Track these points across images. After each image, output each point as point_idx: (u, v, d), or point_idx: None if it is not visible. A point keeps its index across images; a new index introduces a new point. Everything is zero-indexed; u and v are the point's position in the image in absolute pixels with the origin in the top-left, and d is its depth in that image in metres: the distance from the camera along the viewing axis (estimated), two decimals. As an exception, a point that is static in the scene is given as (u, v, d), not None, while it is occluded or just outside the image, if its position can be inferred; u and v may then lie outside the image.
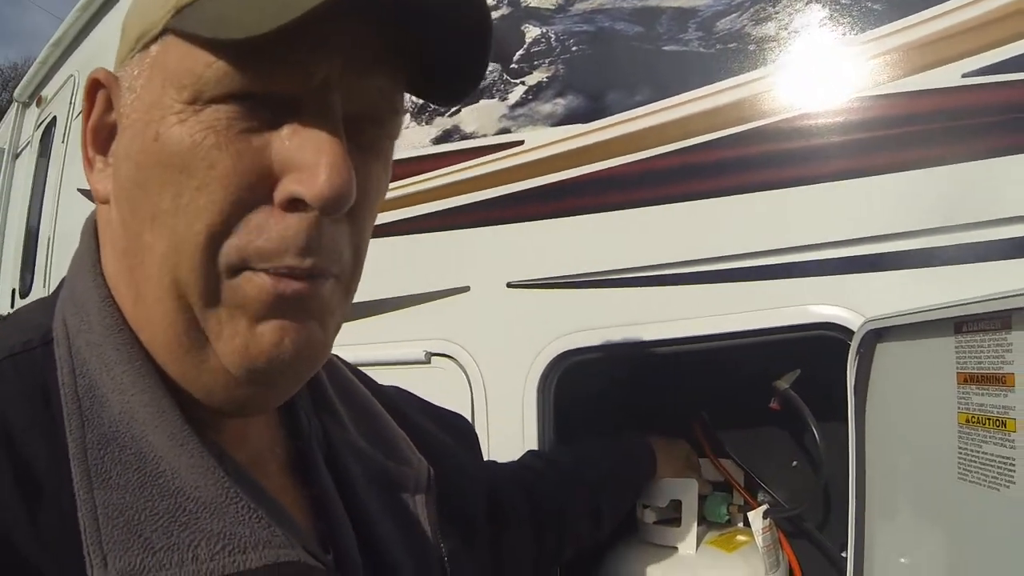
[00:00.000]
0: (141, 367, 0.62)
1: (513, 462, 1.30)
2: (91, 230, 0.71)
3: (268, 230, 0.59)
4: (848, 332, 1.07)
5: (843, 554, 1.07)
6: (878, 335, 1.02)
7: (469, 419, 1.46)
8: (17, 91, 4.77)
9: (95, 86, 0.66)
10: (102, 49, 3.17)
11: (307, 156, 0.58)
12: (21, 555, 0.53)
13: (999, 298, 0.77)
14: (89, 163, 0.67)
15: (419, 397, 1.07)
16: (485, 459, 1.24)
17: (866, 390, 1.04)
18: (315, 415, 0.84)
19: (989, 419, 0.81)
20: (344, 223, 0.64)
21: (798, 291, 1.19)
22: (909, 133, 1.12)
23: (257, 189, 0.59)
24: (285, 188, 0.59)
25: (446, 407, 1.11)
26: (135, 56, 0.63)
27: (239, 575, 0.58)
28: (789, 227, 1.20)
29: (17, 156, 4.69)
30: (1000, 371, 0.79)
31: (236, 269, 0.60)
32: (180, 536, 0.57)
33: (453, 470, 0.96)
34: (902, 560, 0.98)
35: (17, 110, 4.77)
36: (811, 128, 1.20)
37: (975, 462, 0.83)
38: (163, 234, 0.60)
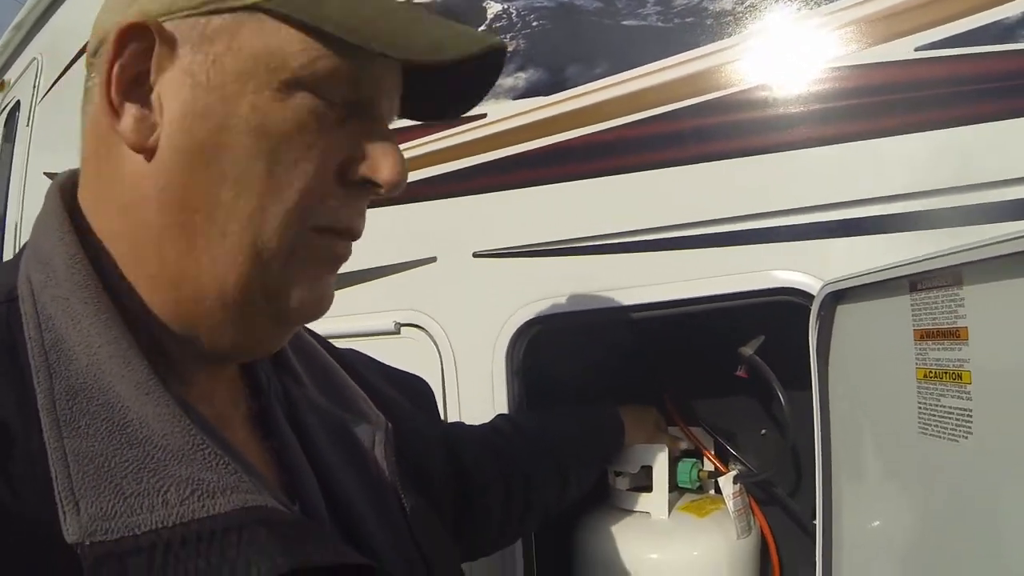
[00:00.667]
0: (108, 320, 0.62)
1: (482, 425, 1.31)
2: (56, 190, 0.71)
3: (341, 200, 0.70)
4: (809, 297, 1.08)
5: (813, 521, 1.07)
6: (837, 297, 1.02)
7: (439, 389, 1.48)
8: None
9: (134, 32, 0.64)
10: (65, 32, 3.13)
11: (377, 149, 0.70)
12: None
13: (949, 254, 0.77)
14: (114, 109, 0.65)
15: (376, 360, 1.08)
16: (454, 423, 1.28)
17: (828, 353, 1.05)
18: (275, 375, 0.85)
19: (946, 373, 0.81)
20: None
21: (760, 257, 1.19)
22: (868, 103, 1.13)
23: (336, 169, 0.69)
24: (362, 172, 0.70)
25: (403, 369, 1.12)
26: (199, 17, 0.65)
27: (208, 519, 0.58)
28: (750, 194, 1.21)
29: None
30: (954, 325, 0.79)
31: (316, 229, 0.68)
32: (150, 482, 0.58)
33: (410, 432, 0.97)
34: (873, 524, 0.99)
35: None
36: (769, 98, 1.20)
37: (934, 416, 0.84)
38: (249, 196, 0.65)
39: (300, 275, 0.69)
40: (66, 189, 0.72)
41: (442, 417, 1.22)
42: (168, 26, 0.65)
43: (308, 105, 0.66)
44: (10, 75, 4.17)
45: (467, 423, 1.30)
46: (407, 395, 1.06)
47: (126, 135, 0.65)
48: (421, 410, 1.07)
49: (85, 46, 0.72)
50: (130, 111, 0.65)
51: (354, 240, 0.73)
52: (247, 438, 0.77)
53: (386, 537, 0.81)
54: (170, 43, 0.65)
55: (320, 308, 0.73)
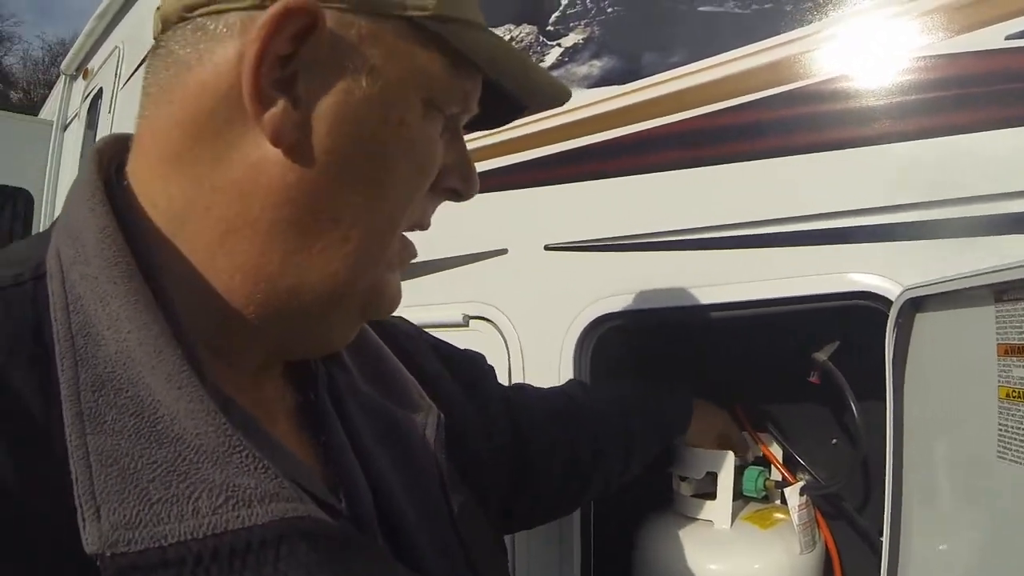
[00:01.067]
0: (138, 302, 0.57)
1: (554, 388, 1.29)
2: (94, 158, 0.67)
3: (432, 206, 0.76)
4: (887, 303, 1.02)
5: (881, 537, 1.02)
6: (916, 304, 0.96)
7: (506, 382, 1.43)
8: (64, 64, 4.86)
9: (296, 15, 0.59)
10: (146, 21, 3.20)
11: (468, 164, 0.77)
12: (5, 503, 0.49)
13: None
14: (260, 97, 0.60)
15: (424, 332, 1.06)
16: (520, 385, 1.26)
17: (904, 363, 0.99)
18: (321, 362, 0.81)
19: (1030, 394, 0.76)
20: None
21: (837, 258, 1.14)
22: (954, 96, 1.06)
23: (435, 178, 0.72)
24: (453, 184, 0.76)
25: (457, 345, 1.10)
26: (353, 15, 0.63)
27: (243, 531, 0.53)
28: (830, 191, 1.15)
29: (66, 128, 4.76)
30: (1042, 342, 0.74)
31: (410, 228, 0.74)
32: (179, 487, 0.53)
33: (460, 414, 0.95)
34: (941, 547, 0.93)
35: (64, 83, 4.84)
36: (850, 90, 1.14)
37: (1015, 439, 0.78)
38: (379, 203, 0.67)
39: (394, 274, 0.74)
40: (105, 156, 0.68)
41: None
42: (337, 18, 0.62)
43: (441, 126, 0.70)
44: (93, 63, 4.28)
45: (534, 386, 1.27)
46: (457, 371, 1.03)
47: (272, 126, 0.61)
48: (469, 383, 1.04)
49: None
50: (278, 102, 0.61)
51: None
52: (292, 431, 0.73)
53: (432, 542, 0.78)
54: (329, 36, 0.61)
55: (396, 304, 0.75)
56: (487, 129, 0.87)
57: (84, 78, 4.48)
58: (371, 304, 0.72)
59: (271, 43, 0.59)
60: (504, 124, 0.90)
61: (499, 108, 0.79)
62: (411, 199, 0.70)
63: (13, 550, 0.49)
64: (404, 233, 0.74)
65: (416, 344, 1.00)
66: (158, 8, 0.66)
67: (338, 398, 0.79)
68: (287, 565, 0.54)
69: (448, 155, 0.73)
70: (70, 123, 4.69)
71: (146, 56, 0.70)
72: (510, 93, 0.76)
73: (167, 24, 0.65)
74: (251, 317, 0.65)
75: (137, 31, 3.28)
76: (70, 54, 4.72)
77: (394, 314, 0.83)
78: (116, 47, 3.73)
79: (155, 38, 0.67)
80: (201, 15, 0.62)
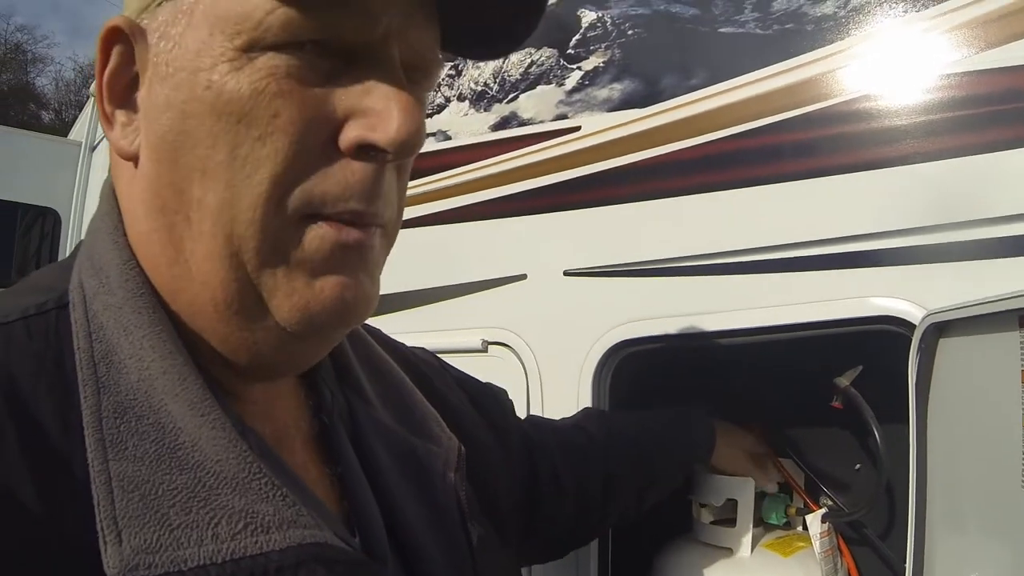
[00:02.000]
0: (162, 332, 0.58)
1: (567, 420, 1.26)
2: (110, 192, 0.67)
3: (333, 175, 0.58)
4: (911, 327, 1.01)
5: (905, 564, 1.00)
6: (940, 329, 0.95)
7: (523, 409, 1.44)
8: (93, 86, 4.85)
9: (113, 36, 0.61)
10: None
11: (377, 103, 0.58)
12: (28, 526, 0.50)
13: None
14: (108, 119, 0.62)
15: (444, 362, 1.04)
16: (534, 418, 1.23)
17: (928, 389, 0.97)
18: (339, 390, 0.80)
19: (1056, 422, 0.74)
20: (394, 173, 0.63)
21: (860, 282, 1.13)
22: (977, 115, 1.05)
23: (321, 137, 0.58)
24: (355, 134, 0.58)
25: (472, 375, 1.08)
26: (163, 3, 0.59)
27: (261, 556, 0.54)
28: (852, 214, 1.14)
29: (94, 149, 4.78)
30: (1066, 369, 0.73)
31: (300, 216, 0.58)
32: (199, 513, 0.53)
33: (480, 448, 0.93)
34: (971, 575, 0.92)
35: (93, 104, 4.85)
36: (872, 111, 1.14)
37: (1039, 469, 0.77)
38: (216, 187, 0.57)
39: (296, 271, 0.59)
40: None
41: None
42: (144, 22, 0.61)
43: (272, 65, 0.56)
44: None
45: (547, 418, 1.26)
46: (478, 403, 1.01)
47: (115, 143, 0.62)
48: (492, 419, 1.02)
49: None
50: (119, 118, 0.62)
51: (371, 223, 0.62)
52: (307, 462, 0.72)
53: (450, 573, 0.76)
54: (144, 39, 0.60)
55: (339, 310, 0.61)
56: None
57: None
58: (280, 315, 0.60)
59: (106, 70, 0.61)
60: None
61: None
62: (260, 172, 0.57)
63: (36, 573, 0.49)
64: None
65: (440, 377, 0.99)
66: None
67: (358, 428, 0.78)
68: None
69: (346, 102, 0.59)
70: (98, 144, 4.71)
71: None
72: None
73: None
74: (195, 339, 0.62)
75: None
76: (99, 76, 4.74)
77: (418, 346, 0.81)
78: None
79: None
80: None
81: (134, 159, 0.62)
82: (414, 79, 0.63)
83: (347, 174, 0.59)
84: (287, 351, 0.64)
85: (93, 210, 0.67)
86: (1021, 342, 0.80)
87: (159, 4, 0.60)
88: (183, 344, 0.60)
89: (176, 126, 0.58)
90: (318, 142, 0.58)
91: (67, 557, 0.50)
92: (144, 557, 0.50)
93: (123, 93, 0.62)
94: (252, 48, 0.56)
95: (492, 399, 1.07)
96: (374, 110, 0.58)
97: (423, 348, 1.02)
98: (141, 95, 0.61)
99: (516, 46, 0.73)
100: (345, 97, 0.58)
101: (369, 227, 0.62)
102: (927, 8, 1.11)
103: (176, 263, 0.60)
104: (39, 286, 0.63)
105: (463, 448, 0.84)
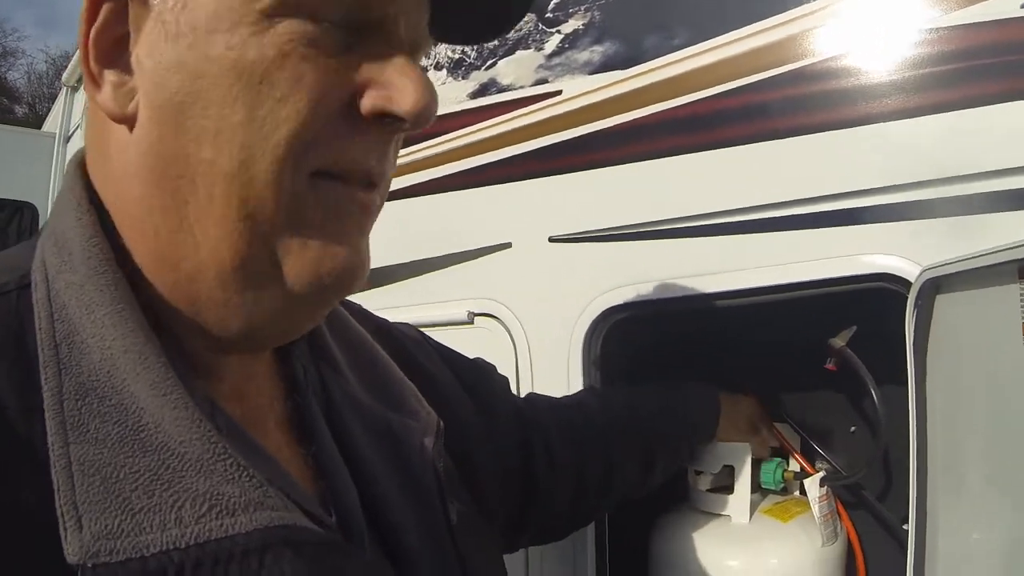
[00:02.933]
0: (124, 310, 0.57)
1: (566, 398, 1.25)
2: (75, 167, 0.66)
3: (351, 137, 0.60)
4: (906, 284, 0.98)
5: (904, 526, 0.98)
6: (937, 285, 0.92)
7: (513, 380, 1.42)
8: (65, 76, 4.86)
9: None
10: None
11: (394, 75, 0.60)
12: None
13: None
14: (95, 79, 0.59)
15: (430, 338, 1.03)
16: (531, 396, 1.21)
17: (926, 346, 0.95)
18: (313, 365, 0.78)
19: (1060, 374, 0.72)
20: (395, 145, 0.66)
21: (852, 240, 1.10)
22: (965, 68, 1.03)
23: (340, 102, 0.59)
24: (375, 103, 0.60)
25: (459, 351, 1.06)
26: None
27: (226, 539, 0.52)
28: (842, 171, 1.12)
29: (68, 140, 4.78)
30: (1071, 319, 0.70)
31: (316, 175, 0.60)
32: (162, 496, 0.52)
33: (462, 423, 0.92)
34: (972, 536, 0.90)
35: (66, 95, 4.83)
36: (861, 66, 1.11)
37: (1045, 423, 0.74)
38: (231, 149, 0.57)
39: (309, 233, 0.60)
40: (87, 166, 0.66)
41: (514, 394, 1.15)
42: None
43: (293, 31, 0.56)
44: None
45: (547, 395, 1.23)
46: (463, 378, 1.00)
47: (105, 105, 0.59)
48: (477, 394, 1.01)
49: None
50: (108, 79, 0.59)
51: (374, 187, 0.64)
52: (281, 441, 0.71)
53: (428, 553, 0.75)
54: None
55: (346, 274, 0.63)
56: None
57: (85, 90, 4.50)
58: (296, 274, 0.61)
59: (92, 27, 0.59)
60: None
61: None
62: (285, 136, 0.57)
63: None
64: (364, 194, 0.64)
65: (422, 351, 0.98)
66: None
67: (332, 404, 0.77)
68: (270, 574, 0.54)
69: (364, 72, 0.60)
70: (72, 135, 4.71)
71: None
72: None
73: None
74: (182, 311, 0.62)
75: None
76: (71, 65, 4.73)
77: (402, 321, 0.80)
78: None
79: None
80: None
81: (127, 122, 0.59)
82: (414, 57, 0.64)
83: (366, 137, 0.61)
84: (285, 318, 0.64)
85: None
86: (1021, 294, 0.77)
87: None
88: (157, 320, 0.59)
89: (186, 87, 0.57)
90: (337, 106, 0.59)
91: (27, 544, 0.49)
92: (105, 543, 0.49)
93: (111, 51, 0.59)
94: (275, 14, 0.56)
95: (478, 374, 1.06)
96: (391, 82, 0.60)
97: (406, 323, 1.01)
98: (137, 55, 0.59)
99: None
100: (362, 67, 0.60)
101: (375, 190, 0.64)
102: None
103: (179, 230, 0.59)
104: (1, 267, 0.61)
105: (441, 423, 0.82)
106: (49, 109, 6.50)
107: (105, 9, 0.58)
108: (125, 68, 0.59)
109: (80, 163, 0.66)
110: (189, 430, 0.54)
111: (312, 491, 0.68)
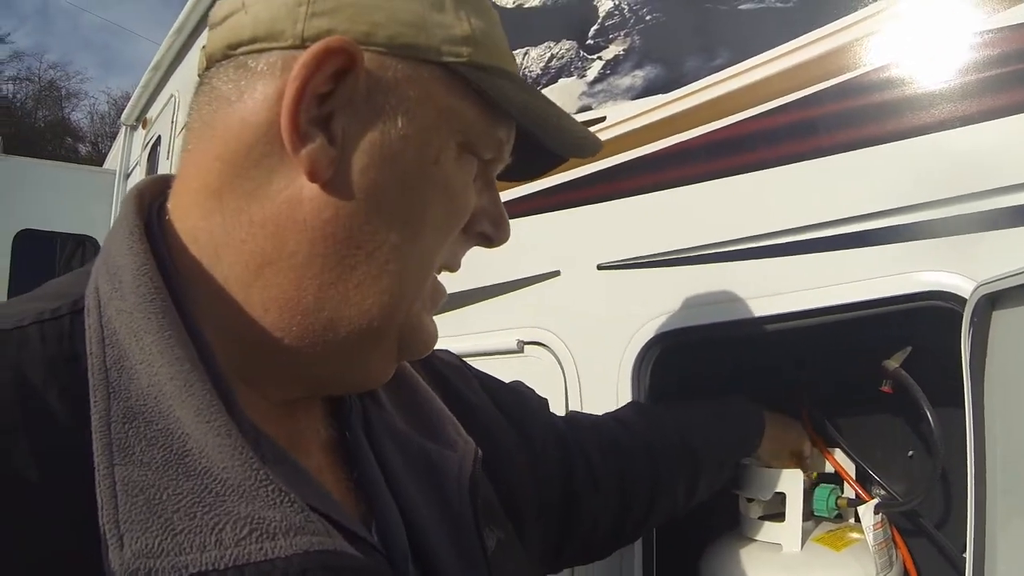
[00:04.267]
0: (171, 337, 0.59)
1: (609, 415, 1.25)
2: (133, 198, 0.69)
3: (460, 247, 0.77)
4: (961, 301, 0.95)
5: (964, 555, 0.95)
6: (993, 301, 0.89)
7: (562, 408, 1.42)
8: (124, 115, 5.02)
9: (337, 55, 0.62)
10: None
11: (498, 211, 0.78)
12: (32, 527, 0.51)
13: None
14: (298, 133, 0.62)
15: (468, 364, 1.06)
16: (574, 414, 1.22)
17: (983, 365, 0.92)
18: (356, 397, 0.81)
19: (1123, 389, 0.69)
20: None
21: (904, 257, 1.07)
22: (1014, 72, 1.00)
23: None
24: (485, 231, 0.78)
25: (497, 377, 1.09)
26: (390, 57, 0.65)
27: (266, 563, 0.54)
28: (891, 187, 1.09)
29: (128, 176, 4.92)
30: None
31: (439, 270, 0.75)
32: (204, 518, 0.54)
33: (502, 451, 0.94)
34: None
35: (125, 133, 5.00)
36: (909, 76, 1.08)
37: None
38: (419, 243, 0.69)
39: (427, 314, 0.75)
40: (145, 196, 0.70)
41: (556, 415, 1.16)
42: (369, 57, 0.64)
43: (471, 167, 0.72)
44: (151, 113, 4.42)
45: (589, 413, 1.24)
46: (501, 403, 1.02)
47: (307, 161, 0.63)
48: (516, 419, 1.02)
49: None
50: (316, 138, 0.63)
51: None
52: (326, 465, 0.74)
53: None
54: (366, 77, 0.64)
55: (432, 344, 0.76)
56: (522, 180, 0.92)
57: (143, 127, 4.63)
58: (407, 342, 0.73)
59: (311, 81, 0.62)
60: (538, 176, 0.97)
61: (533, 160, 0.82)
62: (445, 239, 0.72)
63: (39, 574, 0.50)
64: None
65: (458, 374, 1.00)
66: (203, 47, 0.70)
67: (372, 434, 0.80)
68: None
69: (481, 200, 0.75)
70: (132, 171, 4.85)
71: (195, 97, 0.72)
72: (542, 142, 0.77)
73: (211, 61, 0.68)
74: (287, 349, 0.66)
75: (191, 80, 3.36)
76: (129, 105, 4.88)
77: (440, 347, 0.84)
78: (172, 95, 3.86)
79: (199, 75, 0.71)
80: (244, 53, 0.65)
81: (320, 182, 0.64)
82: None
83: (461, 248, 0.78)
84: (383, 377, 0.76)
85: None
86: (1082, 305, 0.75)
87: (380, 53, 0.65)
88: (200, 352, 0.61)
89: (398, 183, 0.66)
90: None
91: (71, 560, 0.51)
92: (145, 561, 0.51)
93: (319, 113, 0.64)
94: (466, 149, 0.71)
95: (515, 397, 1.07)
96: (498, 217, 0.78)
97: (446, 350, 1.03)
98: (343, 127, 0.64)
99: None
100: (479, 199, 0.75)
101: None
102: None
103: (333, 284, 0.66)
104: (56, 292, 0.65)
105: (480, 451, 0.85)
106: (110, 147, 6.69)
107: (327, 67, 0.62)
108: (329, 135, 0.64)
109: (140, 192, 0.70)
110: (232, 457, 0.56)
111: (355, 514, 0.70)
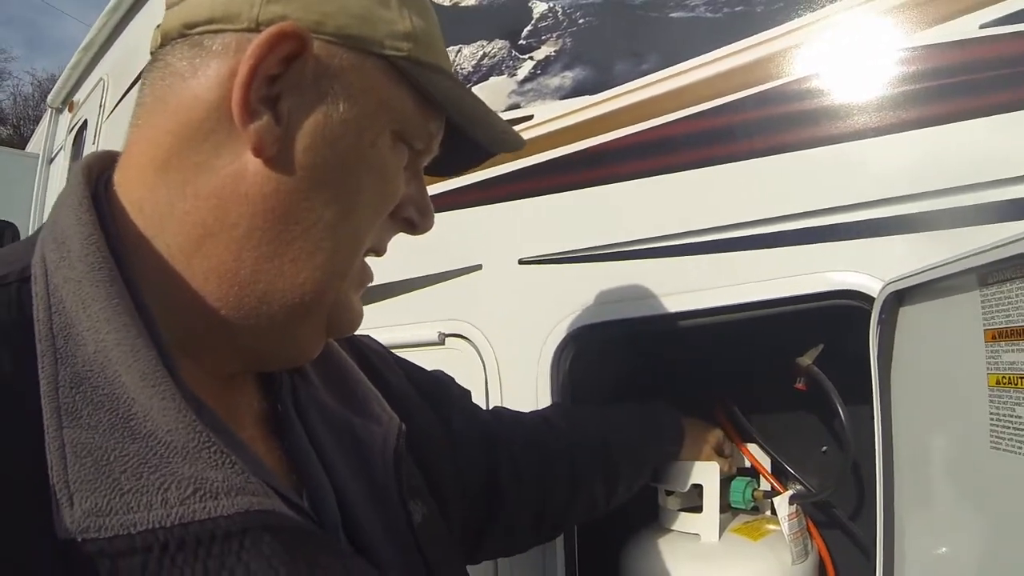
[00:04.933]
0: (119, 305, 0.60)
1: (533, 413, 1.27)
2: (82, 169, 0.70)
3: (388, 230, 0.79)
4: (870, 300, 0.99)
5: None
6: (900, 298, 0.93)
7: (482, 401, 1.44)
8: (49, 98, 4.85)
9: (290, 39, 0.65)
10: (130, 53, 3.18)
11: (424, 198, 0.81)
12: None
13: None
14: (248, 110, 0.65)
15: (391, 352, 1.08)
16: (498, 409, 1.24)
17: (890, 360, 0.96)
18: (286, 373, 0.83)
19: (1021, 378, 0.72)
20: None
21: (818, 257, 1.11)
22: (929, 88, 1.05)
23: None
24: (410, 215, 0.80)
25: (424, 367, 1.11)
26: (338, 46, 0.69)
27: (209, 521, 0.55)
28: (806, 191, 1.13)
29: (51, 161, 4.77)
30: (1032, 322, 0.70)
31: (366, 253, 0.77)
32: (150, 479, 0.55)
33: (424, 431, 0.96)
34: (939, 551, 0.90)
35: (50, 116, 4.84)
36: (822, 88, 1.14)
37: (1008, 428, 0.74)
38: (350, 220, 0.71)
39: (352, 294, 0.77)
40: (93, 169, 0.71)
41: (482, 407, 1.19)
42: (317, 43, 0.67)
43: (406, 158, 0.75)
44: (79, 96, 4.29)
45: (514, 410, 1.25)
46: (423, 390, 1.04)
47: (253, 136, 0.65)
48: (438, 406, 1.05)
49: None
50: (264, 116, 0.65)
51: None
52: (258, 437, 0.76)
53: (392, 550, 0.78)
54: (314, 62, 0.67)
55: (358, 323, 0.79)
56: (445, 176, 0.96)
57: (70, 111, 4.49)
58: (335, 319, 0.75)
59: (263, 62, 0.64)
60: (462, 172, 1.02)
61: (458, 156, 0.86)
62: (375, 220, 0.74)
63: None
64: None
65: (384, 361, 1.02)
66: (158, 25, 0.71)
67: (301, 408, 0.81)
68: (250, 556, 0.57)
69: (409, 188, 0.78)
70: (55, 156, 4.71)
71: (136, 78, 0.73)
72: (470, 136, 0.81)
73: (167, 39, 0.70)
74: (223, 320, 0.68)
75: (122, 63, 3.27)
76: (55, 87, 4.71)
77: (363, 333, 0.87)
78: (101, 79, 3.74)
79: (152, 52, 0.72)
80: (200, 33, 0.67)
81: (264, 158, 0.66)
82: None
83: (387, 233, 0.79)
84: (312, 352, 0.78)
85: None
86: (982, 301, 0.78)
87: (329, 41, 0.68)
88: (146, 319, 0.62)
89: (337, 164, 0.69)
90: None
91: (22, 519, 0.52)
92: (94, 520, 0.52)
93: (266, 94, 0.66)
94: (400, 137, 0.74)
95: (435, 383, 1.10)
96: (422, 203, 0.81)
97: (370, 336, 1.06)
98: (289, 107, 0.67)
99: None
100: (408, 183, 0.78)
101: None
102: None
103: (270, 259, 0.68)
104: (3, 260, 0.65)
105: (404, 426, 0.87)
106: (33, 130, 6.49)
107: (279, 50, 0.65)
108: (276, 115, 0.66)
109: (89, 165, 0.71)
110: (176, 420, 0.57)
111: (288, 483, 0.72)
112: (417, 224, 0.81)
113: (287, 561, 0.58)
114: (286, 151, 0.66)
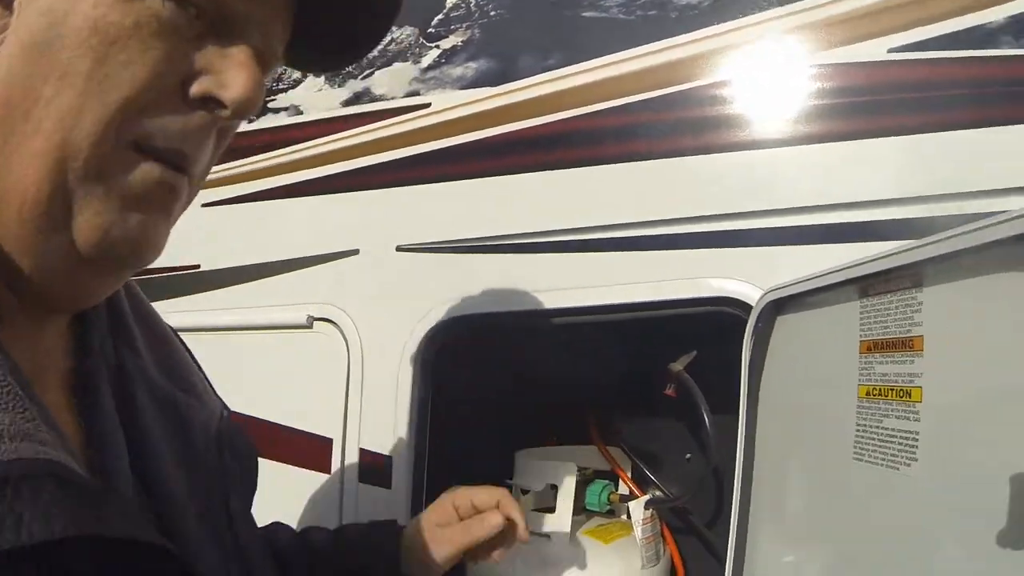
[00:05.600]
0: None
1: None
2: None
3: (173, 116, 0.63)
4: (749, 309, 1.00)
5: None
6: (778, 307, 0.95)
7: (342, 388, 1.44)
8: None
9: None
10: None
11: (230, 66, 0.64)
12: None
13: (909, 249, 0.70)
14: None
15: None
16: None
17: (761, 371, 0.97)
18: (110, 337, 0.77)
19: (892, 389, 0.74)
20: (214, 136, 0.69)
21: (698, 263, 1.13)
22: (829, 105, 1.09)
23: (176, 81, 0.63)
24: (204, 87, 0.64)
25: None
26: None
27: None
28: (689, 197, 1.15)
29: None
30: (908, 334, 0.72)
31: (132, 147, 0.62)
32: None
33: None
34: (786, 559, 0.92)
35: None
36: (721, 96, 1.16)
37: (874, 439, 0.76)
38: (70, 93, 0.59)
39: (109, 197, 0.62)
40: None
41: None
42: None
43: (154, 8, 0.60)
44: None
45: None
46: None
47: None
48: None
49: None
50: None
51: (185, 172, 0.66)
52: (58, 399, 0.69)
53: (205, 528, 0.76)
54: None
55: (133, 246, 0.64)
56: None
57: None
58: (83, 227, 0.62)
59: None
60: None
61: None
62: (115, 93, 0.60)
63: None
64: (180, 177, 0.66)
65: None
66: None
67: (124, 376, 0.76)
68: (23, 505, 0.50)
69: (205, 60, 0.64)
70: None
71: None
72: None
73: None
74: None
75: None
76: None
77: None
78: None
79: None
80: None
81: None
82: (260, 66, 0.68)
83: (187, 118, 0.64)
84: (73, 277, 0.65)
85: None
86: (861, 312, 0.80)
87: None
88: None
89: (52, 29, 0.59)
90: (172, 84, 0.62)
91: None
92: None
93: None
94: None
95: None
96: (226, 71, 0.64)
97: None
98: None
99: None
100: (205, 55, 0.64)
101: (185, 174, 0.66)
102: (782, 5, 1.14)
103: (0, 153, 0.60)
104: None
105: (226, 412, 0.86)
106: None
107: None
108: (6, 5, 0.60)
109: None
110: None
111: (80, 454, 0.66)
112: (221, 99, 0.64)
113: (66, 514, 0.52)
114: (13, 39, 0.60)
